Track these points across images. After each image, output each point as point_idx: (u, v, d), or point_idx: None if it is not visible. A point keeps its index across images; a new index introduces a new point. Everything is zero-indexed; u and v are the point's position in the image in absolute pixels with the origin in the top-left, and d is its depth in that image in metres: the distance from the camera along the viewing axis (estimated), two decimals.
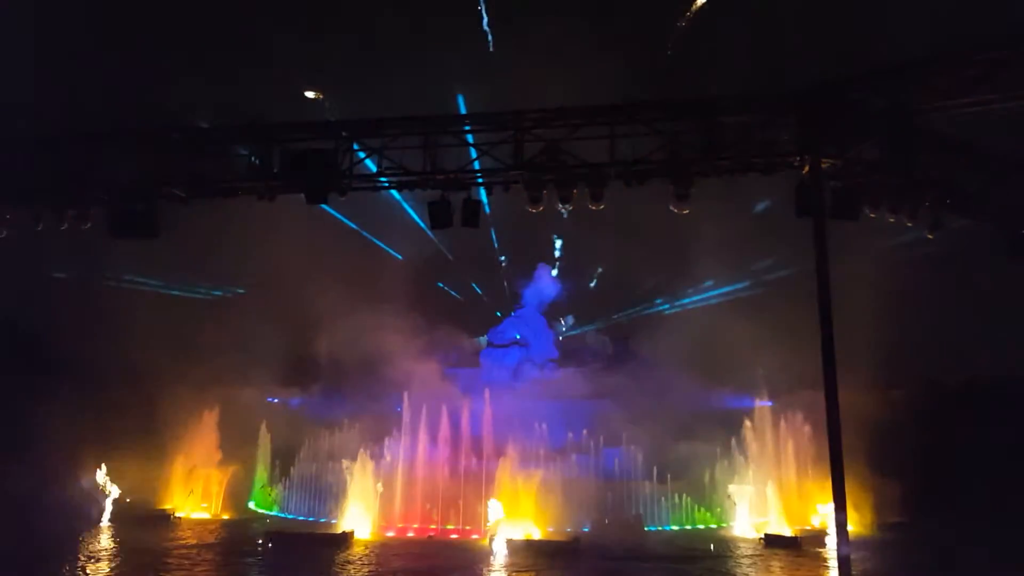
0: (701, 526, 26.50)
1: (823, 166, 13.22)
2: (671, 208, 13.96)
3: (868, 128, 13.75)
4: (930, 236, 14.42)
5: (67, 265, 25.37)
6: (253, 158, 14.53)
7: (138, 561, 19.11)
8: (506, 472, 24.56)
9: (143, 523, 25.31)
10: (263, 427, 30.31)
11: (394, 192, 16.55)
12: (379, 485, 25.73)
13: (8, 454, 25.26)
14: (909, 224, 14.13)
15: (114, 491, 26.69)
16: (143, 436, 29.14)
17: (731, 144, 13.65)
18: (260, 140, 14.56)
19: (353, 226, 30.84)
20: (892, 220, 13.98)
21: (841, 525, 12.15)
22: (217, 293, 35.45)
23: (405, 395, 30.82)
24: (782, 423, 27.51)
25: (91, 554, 19.82)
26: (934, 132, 13.95)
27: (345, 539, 22.89)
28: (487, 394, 32.58)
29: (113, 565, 18.73)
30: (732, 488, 26.38)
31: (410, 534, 24.60)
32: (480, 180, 14.33)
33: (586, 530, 24.71)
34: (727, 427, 27.91)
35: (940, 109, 13.08)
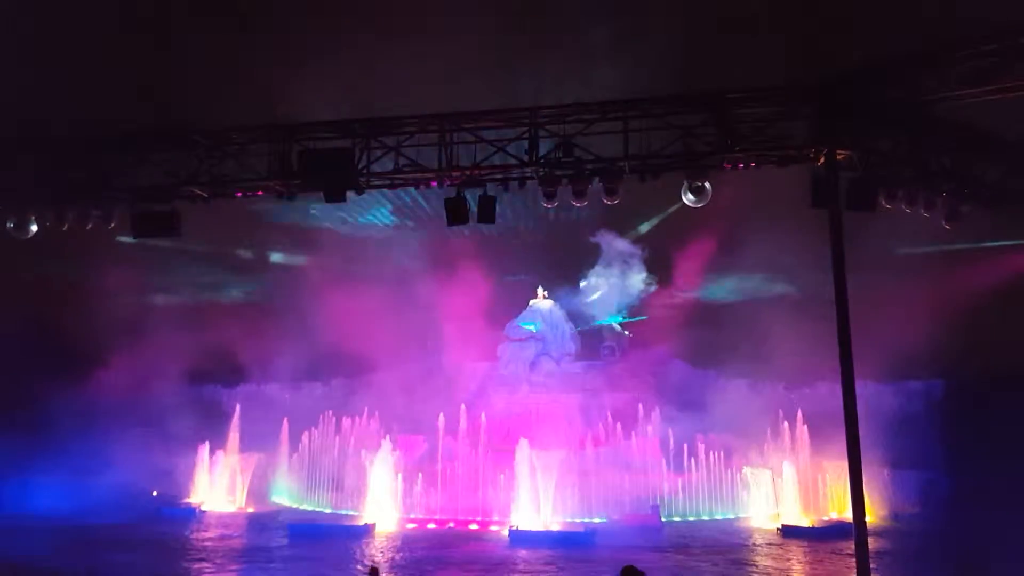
0: (719, 517, 26.56)
1: (838, 157, 13.23)
2: (685, 202, 14.04)
3: (884, 119, 13.72)
4: (947, 227, 14.37)
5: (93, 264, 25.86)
6: (272, 157, 14.82)
7: (171, 553, 19.63)
8: (524, 464, 24.76)
9: (170, 516, 25.92)
10: (285, 420, 30.75)
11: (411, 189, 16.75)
12: (399, 477, 26.13)
13: (37, 448, 25.96)
14: (926, 215, 14.08)
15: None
16: (167, 429, 29.74)
17: (746, 137, 13.70)
18: (279, 139, 14.83)
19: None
20: (908, 211, 13.95)
21: (859, 516, 12.21)
22: (239, 291, 35.87)
23: (425, 388, 31.24)
24: (799, 413, 27.45)
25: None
26: (951, 121, 13.88)
27: (367, 530, 23.26)
28: (505, 387, 32.89)
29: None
30: (748, 471, 26.38)
31: (431, 525, 24.93)
32: (496, 176, 14.48)
33: (604, 521, 24.90)
34: (743, 416, 27.89)
35: (957, 98, 12.99)
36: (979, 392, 25.49)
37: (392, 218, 30.81)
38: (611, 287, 34.84)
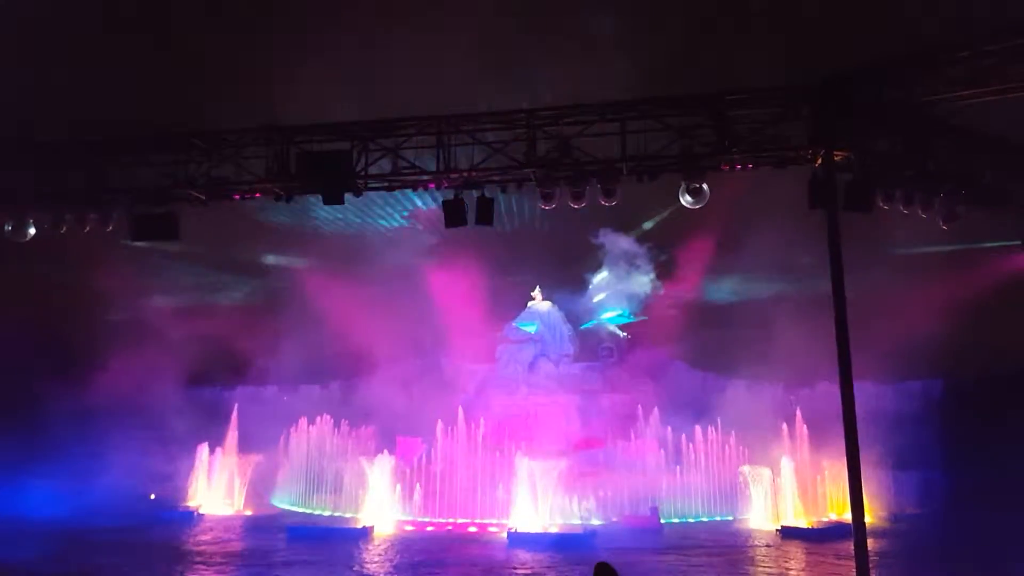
0: (718, 518, 26.55)
1: (836, 158, 13.23)
2: (683, 203, 14.05)
3: (882, 120, 13.75)
4: (945, 228, 14.38)
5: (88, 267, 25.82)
6: (270, 160, 14.81)
7: (169, 556, 19.58)
8: (522, 466, 24.73)
9: (168, 519, 25.85)
10: (284, 422, 30.70)
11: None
12: (397, 480, 26.10)
13: (35, 451, 25.92)
14: (923, 216, 14.09)
15: None
16: (165, 432, 29.71)
17: (743, 138, 13.71)
18: (277, 142, 14.82)
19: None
20: (906, 212, 13.96)
21: (858, 517, 12.18)
22: (238, 292, 35.81)
23: (423, 390, 31.19)
24: (798, 412, 27.47)
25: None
26: (949, 122, 13.90)
27: (366, 533, 23.23)
28: (503, 389, 32.88)
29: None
30: (746, 469, 26.33)
31: (429, 528, 24.90)
32: (493, 178, 14.48)
33: (602, 523, 24.88)
34: (742, 417, 27.90)
35: (955, 99, 13.02)
36: (979, 392, 25.53)
37: (391, 219, 30.76)
38: (615, 288, 34.71)
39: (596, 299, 35.49)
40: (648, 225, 34.42)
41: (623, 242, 33.47)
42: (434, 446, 27.77)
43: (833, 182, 13.03)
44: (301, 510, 28.58)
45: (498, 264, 32.00)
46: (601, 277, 34.89)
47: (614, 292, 34.83)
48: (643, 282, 34.06)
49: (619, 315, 35.57)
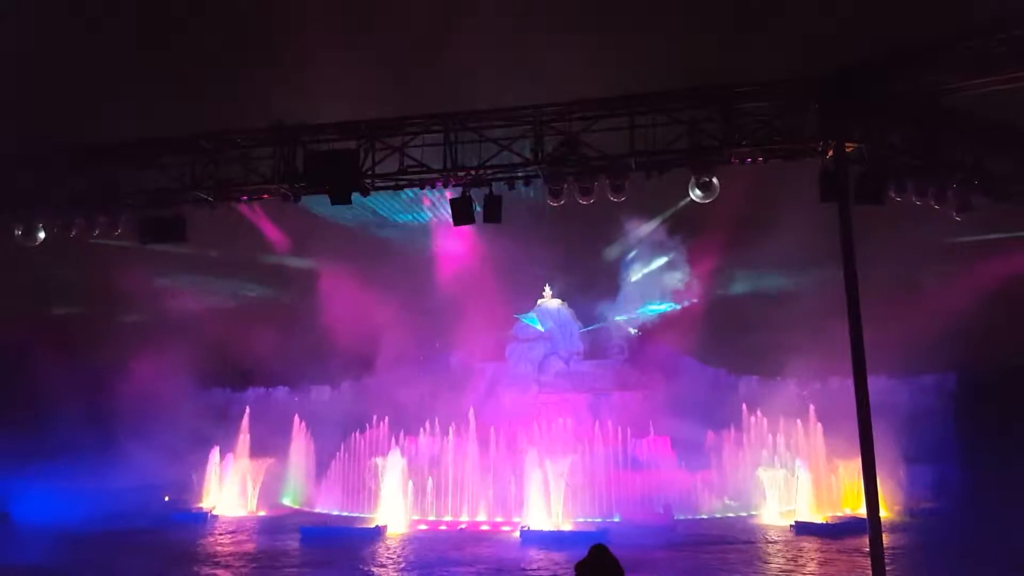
0: (731, 515, 26.40)
1: (847, 150, 13.07)
2: (693, 198, 13.92)
3: (892, 111, 13.56)
4: (958, 219, 14.19)
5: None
6: (277, 160, 14.78)
7: (184, 558, 19.67)
8: (534, 465, 24.69)
9: (182, 521, 25.96)
10: (295, 423, 30.80)
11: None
12: (410, 479, 26.12)
13: (48, 454, 26.12)
14: (936, 207, 13.92)
15: None
16: (178, 434, 29.85)
17: (752, 131, 13.56)
18: (284, 142, 14.78)
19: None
20: (919, 203, 13.78)
21: (873, 512, 12.05)
22: (251, 292, 35.90)
23: (434, 389, 31.21)
24: (811, 408, 27.28)
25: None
26: (960, 112, 13.72)
27: (379, 533, 23.26)
28: (513, 387, 32.85)
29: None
30: (761, 472, 26.19)
31: (442, 527, 24.90)
32: (501, 176, 14.40)
33: (615, 520, 24.80)
34: (754, 413, 27.75)
35: (965, 89, 12.83)
36: (993, 385, 25.27)
37: (400, 216, 30.74)
38: (648, 278, 34.51)
39: (633, 280, 35.05)
40: (652, 224, 34.22)
41: (652, 232, 33.33)
42: (446, 445, 27.77)
43: (844, 174, 12.87)
44: (315, 510, 28.65)
45: (511, 260, 31.91)
46: (633, 268, 34.69)
47: (645, 282, 34.59)
48: (676, 275, 33.88)
49: (652, 306, 35.24)
